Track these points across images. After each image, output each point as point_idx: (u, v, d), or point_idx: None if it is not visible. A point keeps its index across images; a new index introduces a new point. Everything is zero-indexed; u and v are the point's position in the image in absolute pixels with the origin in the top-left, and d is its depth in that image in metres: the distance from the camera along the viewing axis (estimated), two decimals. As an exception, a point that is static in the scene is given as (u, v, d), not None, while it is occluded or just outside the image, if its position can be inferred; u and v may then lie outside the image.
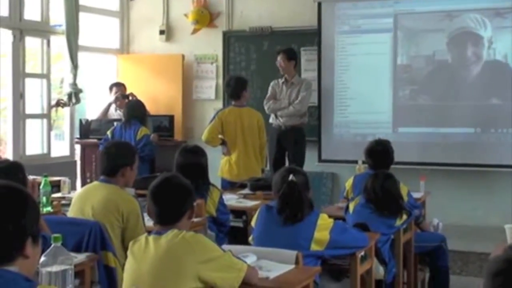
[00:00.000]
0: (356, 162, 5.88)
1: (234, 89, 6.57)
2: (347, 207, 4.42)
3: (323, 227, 3.43)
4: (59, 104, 8.09)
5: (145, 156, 6.73)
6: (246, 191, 5.63)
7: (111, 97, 8.18)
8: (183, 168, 4.33)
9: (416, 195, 5.17)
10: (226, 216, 4.66)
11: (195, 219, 3.96)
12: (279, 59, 7.18)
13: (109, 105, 8.19)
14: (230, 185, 6.30)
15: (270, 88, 7.13)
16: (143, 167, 6.43)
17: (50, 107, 8.02)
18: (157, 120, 8.19)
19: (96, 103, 8.79)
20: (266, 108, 7.10)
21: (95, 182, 4.07)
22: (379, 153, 4.94)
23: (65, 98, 8.04)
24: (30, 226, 1.81)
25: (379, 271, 4.07)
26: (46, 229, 3.22)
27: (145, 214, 3.81)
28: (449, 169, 7.35)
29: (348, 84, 7.81)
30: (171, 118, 8.33)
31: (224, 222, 4.63)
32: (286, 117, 7.19)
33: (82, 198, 3.99)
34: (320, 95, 7.90)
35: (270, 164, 7.07)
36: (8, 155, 7.48)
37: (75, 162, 8.30)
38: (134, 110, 7.00)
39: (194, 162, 4.51)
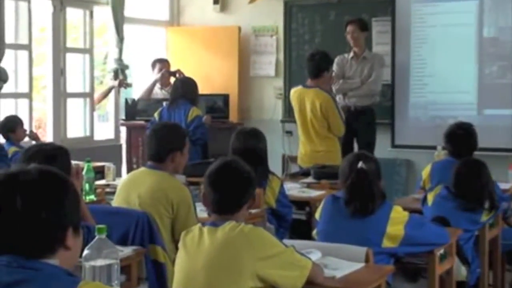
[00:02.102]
0: (434, 148, 5.84)
1: (317, 65, 6.46)
2: (425, 199, 4.41)
3: (396, 221, 3.43)
4: (121, 84, 8.19)
5: (197, 140, 6.75)
6: (310, 179, 5.64)
7: (154, 74, 8.21)
8: (239, 153, 4.35)
9: (503, 185, 5.10)
10: (287, 209, 4.69)
11: (252, 211, 4.01)
12: (350, 30, 7.18)
13: (154, 83, 8.22)
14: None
15: (335, 66, 7.05)
16: (194, 152, 6.48)
17: (109, 88, 8.19)
18: (210, 100, 8.21)
19: (143, 81, 8.83)
20: (333, 88, 7.09)
21: (142, 168, 4.11)
22: (461, 137, 4.93)
23: (110, 76, 8.20)
24: (71, 214, 1.85)
25: (461, 272, 4.05)
26: (90, 219, 3.27)
27: (198, 204, 3.86)
28: (543, 157, 7.30)
29: (426, 59, 7.78)
30: (225, 97, 8.36)
31: (285, 215, 4.67)
32: (357, 98, 7.21)
33: (128, 186, 4.03)
34: (394, 72, 7.90)
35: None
36: (48, 138, 7.64)
37: (120, 146, 8.40)
38: (184, 89, 6.97)
39: (252, 146, 4.55)
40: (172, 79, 7.91)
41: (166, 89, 8.04)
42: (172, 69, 8.21)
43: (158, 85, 8.20)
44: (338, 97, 7.16)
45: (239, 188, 2.87)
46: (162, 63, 8.26)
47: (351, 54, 7.25)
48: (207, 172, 2.90)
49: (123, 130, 8.42)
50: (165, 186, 3.89)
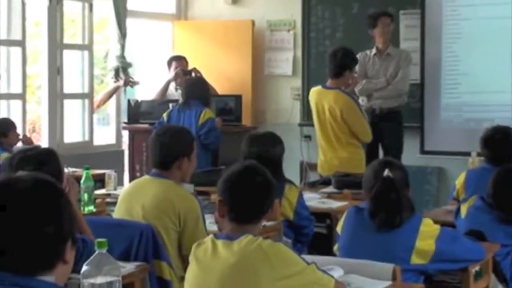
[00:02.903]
0: (468, 154, 5.82)
1: (339, 63, 6.44)
2: (458, 210, 4.36)
3: (427, 235, 3.42)
4: (127, 83, 8.20)
5: (209, 145, 6.80)
6: (330, 189, 5.63)
7: (171, 73, 8.23)
8: (252, 159, 4.26)
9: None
10: (307, 221, 4.68)
11: (266, 223, 3.99)
12: (386, 22, 7.16)
13: (168, 83, 8.23)
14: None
15: (358, 65, 6.99)
16: (204, 159, 6.51)
17: (115, 88, 8.19)
18: (221, 101, 8.14)
19: (147, 81, 8.83)
20: (356, 89, 7.07)
21: (146, 177, 4.12)
22: (499, 142, 4.90)
23: (111, 74, 8.21)
24: (69, 225, 1.87)
25: (498, 291, 4.01)
26: (87, 232, 3.29)
27: (207, 216, 3.90)
28: None
29: (459, 56, 7.77)
30: (237, 98, 8.25)
31: (304, 228, 4.66)
32: (382, 99, 7.21)
33: (130, 195, 4.04)
34: (423, 70, 7.88)
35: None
36: (43, 142, 7.60)
37: (122, 152, 8.42)
38: (194, 89, 7.03)
39: (267, 152, 4.54)
40: None
41: (181, 89, 7.98)
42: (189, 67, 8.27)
43: (173, 85, 8.23)
44: (361, 99, 7.16)
45: (261, 195, 2.89)
46: (178, 61, 8.27)
47: (374, 50, 7.24)
48: (224, 176, 2.91)
49: (125, 134, 8.41)
50: (171, 196, 3.89)
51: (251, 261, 2.73)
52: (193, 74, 8.02)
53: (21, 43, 7.36)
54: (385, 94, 7.19)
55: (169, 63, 8.32)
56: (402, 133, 7.27)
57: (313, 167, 7.21)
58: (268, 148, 4.60)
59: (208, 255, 2.82)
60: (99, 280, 2.33)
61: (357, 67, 6.82)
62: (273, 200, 2.94)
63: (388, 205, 3.45)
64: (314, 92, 6.63)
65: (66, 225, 1.86)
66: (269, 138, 4.71)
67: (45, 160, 3.29)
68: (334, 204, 5.09)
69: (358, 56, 7.05)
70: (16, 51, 7.36)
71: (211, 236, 2.89)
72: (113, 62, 8.23)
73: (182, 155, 3.97)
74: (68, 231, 1.87)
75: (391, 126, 7.16)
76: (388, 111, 7.19)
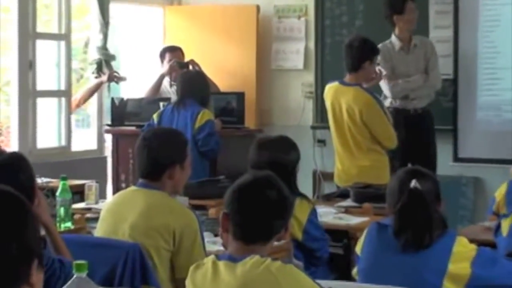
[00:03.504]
0: (510, 162, 5.93)
1: (358, 55, 6.49)
2: (498, 227, 4.41)
3: (461, 257, 3.41)
4: (111, 78, 8.19)
5: (208, 152, 6.80)
6: (349, 202, 5.66)
7: (164, 67, 8.19)
8: (263, 169, 4.21)
9: None
10: (318, 243, 4.68)
11: (275, 243, 3.97)
12: (412, 8, 7.12)
13: (162, 77, 8.21)
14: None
15: (380, 59, 6.93)
16: (200, 167, 6.49)
17: (96, 84, 8.15)
18: (220, 99, 8.05)
19: (135, 76, 8.74)
20: (389, 92, 7.13)
21: (133, 188, 4.13)
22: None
23: (92, 68, 8.17)
24: (35, 244, 1.89)
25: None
26: (65, 253, 3.28)
27: (206, 234, 3.94)
28: None
29: (498, 47, 7.78)
30: (239, 97, 8.18)
31: (316, 251, 4.65)
32: (418, 99, 7.27)
33: (115, 210, 4.04)
34: (456, 63, 7.91)
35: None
36: (13, 148, 7.51)
37: (104, 159, 8.39)
38: (191, 85, 7.01)
39: (280, 160, 4.53)
40: None
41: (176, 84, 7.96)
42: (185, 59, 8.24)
43: (168, 80, 8.20)
44: (390, 101, 7.17)
45: (274, 213, 2.90)
46: (173, 53, 8.24)
47: (397, 42, 7.24)
48: (233, 186, 2.92)
49: (108, 138, 8.36)
50: (163, 209, 3.90)
51: (257, 286, 2.72)
52: (190, 67, 7.97)
53: (-13, 33, 7.39)
54: (421, 92, 7.25)
55: (162, 55, 8.27)
56: (435, 137, 7.33)
57: (328, 177, 7.30)
58: (281, 154, 4.59)
59: (207, 280, 2.81)
60: (78, 309, 2.34)
61: (378, 58, 6.81)
62: (288, 220, 2.94)
63: (416, 222, 3.44)
64: (330, 89, 6.66)
65: (30, 243, 1.87)
66: (282, 143, 4.70)
67: (14, 169, 3.27)
68: (353, 220, 5.09)
69: (380, 47, 6.99)
70: (-19, 42, 7.38)
71: (212, 256, 2.89)
72: (95, 54, 8.20)
73: (173, 162, 3.98)
74: (33, 250, 1.88)
75: (423, 129, 7.23)
76: (422, 111, 7.26)
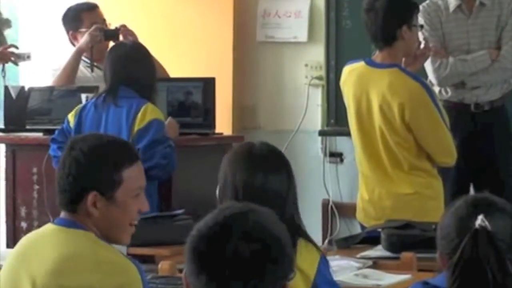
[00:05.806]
0: None
1: (385, 19, 5.82)
2: None
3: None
4: (6, 57, 7.35)
5: (154, 170, 6.07)
6: (378, 251, 5.36)
7: (84, 37, 7.25)
8: (248, 198, 3.89)
9: None
10: None
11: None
12: None
13: (79, 53, 7.22)
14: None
15: (425, 25, 6.27)
16: (146, 195, 5.84)
17: None
18: (176, 89, 7.22)
19: (40, 54, 7.97)
20: (434, 76, 6.42)
21: (49, 226, 3.81)
22: None
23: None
24: None
25: None
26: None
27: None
28: None
29: None
30: (207, 84, 7.18)
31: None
32: (482, 88, 6.58)
33: (15, 260, 3.74)
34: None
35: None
36: None
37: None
38: (126, 67, 6.32)
39: (270, 186, 4.06)
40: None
41: (102, 66, 7.10)
42: (112, 25, 7.35)
43: (85, 59, 7.28)
44: (439, 90, 6.51)
45: (257, 274, 2.58)
46: (91, 13, 7.39)
47: (454, 1, 6.46)
48: (196, 232, 2.56)
49: (0, 149, 7.48)
50: (90, 261, 3.46)
51: None
52: (121, 38, 7.07)
53: None
54: (487, 78, 6.51)
55: (76, 19, 7.32)
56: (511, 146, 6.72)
57: (346, 210, 7.00)
58: (272, 176, 4.10)
59: None
60: None
61: (420, 20, 6.17)
62: (286, 278, 2.57)
63: (483, 280, 2.89)
64: (352, 72, 5.99)
65: None
66: (273, 158, 4.15)
67: None
68: (386, 280, 4.84)
69: (423, 8, 6.42)
70: None
71: None
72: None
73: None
74: None
75: (496, 134, 6.57)
76: (491, 107, 6.53)
